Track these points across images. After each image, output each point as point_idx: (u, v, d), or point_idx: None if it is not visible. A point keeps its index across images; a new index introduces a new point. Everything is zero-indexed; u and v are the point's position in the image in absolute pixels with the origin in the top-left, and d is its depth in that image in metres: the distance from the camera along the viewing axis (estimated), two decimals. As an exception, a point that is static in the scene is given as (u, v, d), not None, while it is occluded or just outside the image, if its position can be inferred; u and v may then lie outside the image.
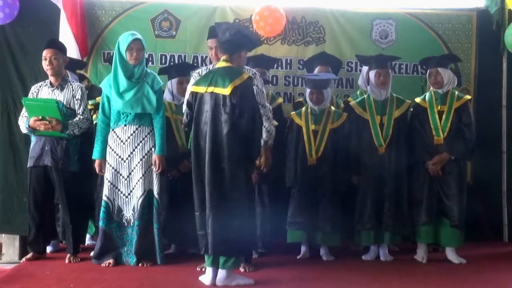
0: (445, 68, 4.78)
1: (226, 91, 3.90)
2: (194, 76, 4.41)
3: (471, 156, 4.90)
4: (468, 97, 4.89)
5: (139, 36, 4.48)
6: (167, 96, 4.99)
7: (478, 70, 5.90)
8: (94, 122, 4.91)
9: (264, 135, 4.26)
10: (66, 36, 5.47)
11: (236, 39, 4.04)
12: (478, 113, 5.75)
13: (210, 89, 3.96)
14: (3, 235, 5.57)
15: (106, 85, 4.56)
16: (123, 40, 4.46)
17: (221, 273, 3.95)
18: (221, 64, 4.07)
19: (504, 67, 5.86)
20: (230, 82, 3.91)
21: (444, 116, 4.74)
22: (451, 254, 4.74)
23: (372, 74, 4.88)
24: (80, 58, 5.52)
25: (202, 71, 4.42)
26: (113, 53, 4.84)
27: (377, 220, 4.77)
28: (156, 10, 5.87)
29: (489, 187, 5.72)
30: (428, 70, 4.86)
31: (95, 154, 4.54)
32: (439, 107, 4.76)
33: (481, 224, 5.53)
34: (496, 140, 5.82)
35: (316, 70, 5.34)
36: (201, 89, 4.02)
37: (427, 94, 4.88)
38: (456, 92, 4.84)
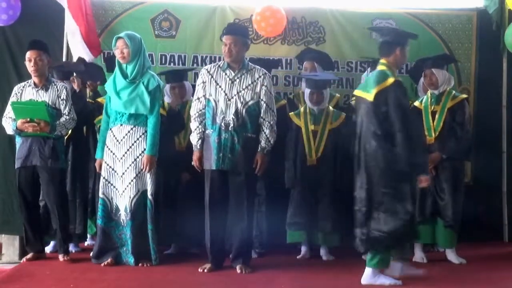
0: (440, 68, 4.77)
1: (370, 96, 3.95)
2: (202, 73, 4.40)
3: (467, 155, 4.87)
4: (464, 96, 4.88)
5: (123, 34, 4.45)
6: (166, 99, 5.01)
7: (478, 70, 5.89)
8: (98, 125, 4.92)
9: (262, 142, 4.29)
10: (73, 36, 5.47)
11: (388, 38, 4.07)
12: (478, 113, 5.76)
13: (360, 93, 4.09)
14: (3, 235, 5.58)
15: (108, 85, 4.58)
16: (113, 41, 4.49)
17: (367, 271, 3.97)
18: (378, 67, 4.11)
19: (504, 67, 5.87)
20: (374, 87, 3.95)
21: (437, 116, 4.74)
22: (451, 254, 4.74)
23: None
24: (90, 58, 5.49)
25: (211, 68, 4.41)
26: (112, 53, 4.86)
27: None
28: (156, 10, 5.87)
29: (489, 187, 5.72)
30: (423, 71, 4.85)
31: (98, 154, 4.56)
32: (433, 107, 4.76)
33: (481, 224, 5.52)
34: (496, 140, 5.82)
35: (303, 66, 5.41)
36: (358, 93, 4.16)
37: (425, 97, 4.88)
38: (453, 92, 4.83)
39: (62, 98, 4.56)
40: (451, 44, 5.92)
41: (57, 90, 4.57)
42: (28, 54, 4.55)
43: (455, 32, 5.94)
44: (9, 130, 4.58)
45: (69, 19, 5.50)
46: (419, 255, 4.75)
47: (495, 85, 5.88)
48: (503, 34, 5.60)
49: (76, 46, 5.48)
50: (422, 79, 5.07)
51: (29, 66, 4.55)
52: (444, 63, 4.86)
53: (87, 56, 5.46)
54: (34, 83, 4.60)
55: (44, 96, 4.56)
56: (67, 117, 4.54)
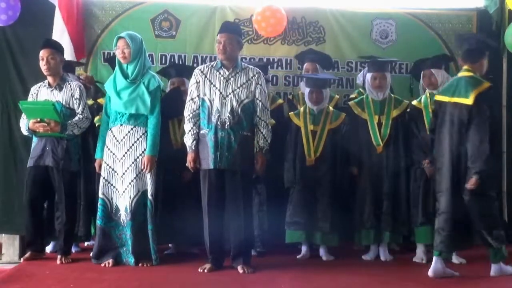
0: (439, 68, 4.77)
1: (469, 101, 4.07)
2: (196, 73, 4.39)
3: None
4: None
5: (124, 34, 4.45)
6: None
7: (478, 70, 5.89)
8: (97, 124, 4.92)
9: (260, 142, 4.30)
10: (61, 36, 5.43)
11: (477, 48, 4.25)
12: (478, 113, 5.74)
13: (454, 99, 4.17)
14: (3, 235, 5.58)
15: (107, 85, 4.57)
16: (114, 41, 4.49)
17: (494, 267, 4.23)
18: (463, 73, 4.24)
19: (504, 67, 5.87)
20: (472, 91, 4.06)
21: None
22: (450, 254, 4.74)
23: (368, 76, 4.89)
24: (74, 59, 5.49)
25: (204, 68, 4.40)
26: (113, 53, 4.86)
27: (377, 219, 4.77)
28: (156, 10, 5.87)
29: (489, 187, 5.71)
30: (422, 72, 4.85)
31: (97, 154, 4.55)
32: (433, 107, 4.76)
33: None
34: (496, 140, 5.80)
35: (304, 66, 5.39)
36: (445, 98, 4.25)
37: (423, 96, 4.87)
38: None
39: (75, 97, 4.56)
40: (451, 44, 5.92)
41: (71, 90, 4.57)
42: (41, 53, 4.55)
43: (455, 32, 5.93)
44: (24, 130, 4.59)
45: (57, 18, 5.49)
46: (419, 255, 4.75)
47: (495, 85, 5.82)
48: (503, 34, 5.60)
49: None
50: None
51: (42, 65, 4.56)
52: (442, 63, 4.85)
53: (71, 58, 5.45)
54: (49, 83, 4.61)
55: (58, 96, 4.56)
56: (81, 116, 4.54)
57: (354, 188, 4.90)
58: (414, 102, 4.89)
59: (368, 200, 4.81)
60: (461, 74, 4.27)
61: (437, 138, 4.33)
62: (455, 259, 4.70)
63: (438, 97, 4.36)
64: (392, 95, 4.95)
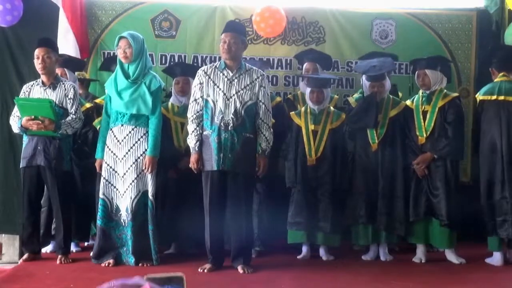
0: (434, 69, 4.75)
1: None
2: (199, 74, 4.37)
3: (460, 155, 4.83)
4: (455, 94, 4.84)
5: (126, 34, 4.43)
6: (172, 99, 5.02)
7: (478, 70, 5.89)
8: (98, 127, 4.90)
9: (263, 144, 4.30)
10: (66, 36, 5.46)
11: (507, 58, 4.74)
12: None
13: (501, 97, 4.63)
14: (3, 235, 5.59)
15: (108, 84, 4.56)
16: (115, 40, 4.49)
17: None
18: (502, 78, 4.70)
19: (504, 67, 5.86)
20: None
21: (428, 116, 4.73)
22: (450, 254, 4.74)
23: (367, 83, 4.88)
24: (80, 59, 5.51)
25: (207, 68, 4.39)
26: (113, 53, 4.86)
27: (372, 218, 4.77)
28: (156, 10, 5.88)
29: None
30: (416, 72, 4.84)
31: (98, 154, 4.53)
32: (424, 107, 4.76)
33: (481, 224, 5.51)
34: (496, 140, 5.80)
35: (304, 66, 5.38)
36: (488, 97, 4.68)
37: (416, 96, 4.87)
38: (444, 91, 4.78)
39: (69, 97, 4.54)
40: (451, 44, 5.93)
41: (65, 89, 4.55)
42: (36, 52, 4.52)
43: (455, 32, 5.95)
44: (15, 128, 4.55)
45: (62, 18, 5.50)
46: (419, 256, 4.75)
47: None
48: (503, 34, 5.60)
49: (66, 46, 5.45)
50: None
51: (37, 64, 4.53)
52: (438, 64, 4.82)
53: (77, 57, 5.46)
54: (42, 82, 4.58)
55: (52, 95, 4.53)
56: (74, 116, 4.52)
57: (350, 185, 4.90)
58: (408, 102, 4.88)
59: (362, 197, 4.80)
60: (500, 79, 4.70)
61: (482, 134, 4.69)
62: (455, 259, 4.70)
63: (481, 97, 4.72)
64: (390, 96, 4.95)
